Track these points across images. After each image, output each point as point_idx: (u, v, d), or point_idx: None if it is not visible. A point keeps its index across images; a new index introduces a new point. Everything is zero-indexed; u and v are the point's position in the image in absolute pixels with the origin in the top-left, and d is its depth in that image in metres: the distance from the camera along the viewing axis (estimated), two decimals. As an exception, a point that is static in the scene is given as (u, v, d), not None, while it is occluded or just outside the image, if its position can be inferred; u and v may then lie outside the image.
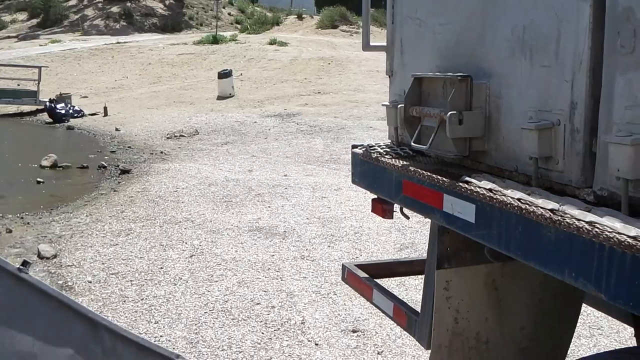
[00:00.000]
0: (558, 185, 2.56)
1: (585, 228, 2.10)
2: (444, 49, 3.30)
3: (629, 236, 1.96)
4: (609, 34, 2.29)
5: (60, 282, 7.33)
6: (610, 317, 4.50)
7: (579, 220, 2.15)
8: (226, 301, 6.77)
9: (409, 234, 8.89)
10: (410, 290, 6.68)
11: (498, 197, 2.54)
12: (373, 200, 3.91)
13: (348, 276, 4.28)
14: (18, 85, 29.53)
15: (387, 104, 3.74)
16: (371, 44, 4.01)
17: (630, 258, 1.93)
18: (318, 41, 40.75)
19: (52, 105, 25.38)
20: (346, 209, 10.47)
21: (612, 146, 2.19)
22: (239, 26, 56.56)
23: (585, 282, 2.12)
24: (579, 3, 2.40)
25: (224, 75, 27.16)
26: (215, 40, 41.79)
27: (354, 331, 6.10)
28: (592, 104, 2.38)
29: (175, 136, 19.39)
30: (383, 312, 3.84)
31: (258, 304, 6.72)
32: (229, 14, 63.45)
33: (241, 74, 30.77)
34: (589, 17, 2.36)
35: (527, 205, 2.38)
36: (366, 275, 4.11)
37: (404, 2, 3.74)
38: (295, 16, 56.64)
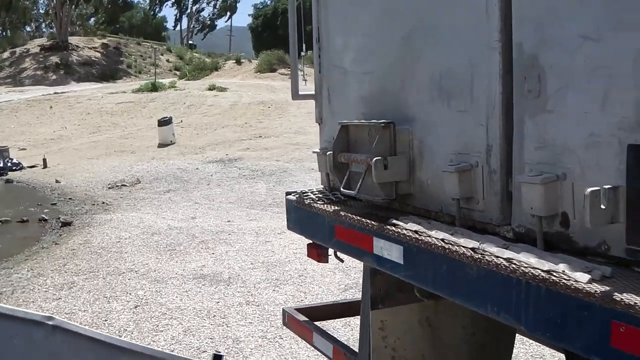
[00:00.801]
0: (480, 224, 2.69)
1: (503, 264, 2.22)
2: (369, 96, 3.44)
3: (542, 270, 2.09)
4: (517, 80, 2.44)
5: (1, 340, 7.24)
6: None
7: (497, 257, 2.28)
8: (172, 350, 6.74)
9: (353, 274, 8.97)
10: (355, 329, 6.73)
11: (423, 238, 2.65)
12: (308, 245, 4.01)
13: (289, 320, 4.36)
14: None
15: (318, 150, 3.85)
16: (300, 92, 4.13)
17: (545, 291, 2.05)
18: (257, 85, 41.04)
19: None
20: (290, 252, 10.51)
21: (524, 185, 2.33)
22: (177, 73, 56.73)
23: (506, 316, 2.24)
24: (489, 51, 2.55)
25: (164, 122, 27.15)
26: (154, 87, 41.77)
27: (300, 374, 6.14)
28: (506, 146, 2.52)
29: (117, 186, 19.26)
30: (323, 353, 3.92)
31: (204, 351, 6.72)
32: (168, 60, 63.58)
33: (181, 121, 30.76)
34: (499, 64, 2.51)
35: (450, 245, 2.50)
36: (306, 319, 4.19)
37: (329, 51, 3.88)
38: (234, 61, 57.04)
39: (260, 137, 26.52)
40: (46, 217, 15.38)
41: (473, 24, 2.64)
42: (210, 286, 8.97)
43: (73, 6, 65.72)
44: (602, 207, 1.99)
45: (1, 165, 24.88)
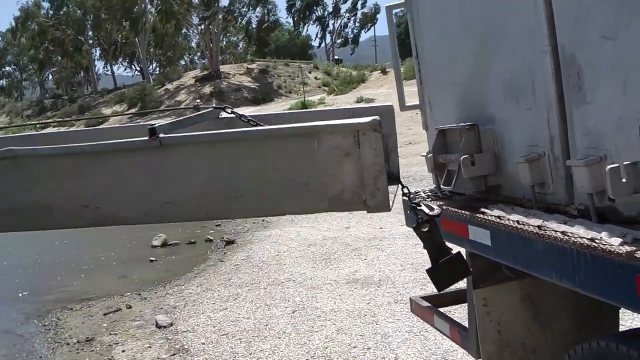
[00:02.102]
0: (552, 205, 3.08)
1: (560, 237, 2.62)
2: (458, 102, 3.88)
3: (587, 239, 2.49)
4: (564, 78, 2.83)
5: (177, 346, 8.08)
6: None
7: (555, 231, 2.68)
8: (326, 347, 7.34)
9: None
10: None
11: (504, 221, 3.08)
12: (424, 238, 4.47)
13: (415, 307, 4.84)
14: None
15: (424, 154, 4.32)
16: (407, 104, 4.62)
17: (589, 255, 2.45)
18: (405, 92, 41.41)
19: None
20: (438, 252, 10.88)
21: (575, 168, 2.73)
22: (326, 88, 57.91)
23: (565, 280, 2.64)
24: (542, 54, 2.95)
25: (316, 138, 28.04)
26: (304, 105, 43.06)
27: (443, 363, 6.56)
28: (564, 136, 2.91)
29: (275, 203, 20.24)
30: (442, 333, 4.38)
31: (355, 347, 7.26)
32: (316, 77, 65.12)
33: (332, 135, 31.63)
34: (551, 65, 2.91)
35: (522, 225, 2.91)
36: (428, 304, 4.65)
37: (426, 65, 4.35)
38: (380, 71, 57.61)
39: (410, 144, 26.89)
40: (211, 238, 16.48)
41: (529, 31, 3.04)
42: (361, 289, 9.51)
43: (222, 36, 68.52)
44: (623, 180, 2.37)
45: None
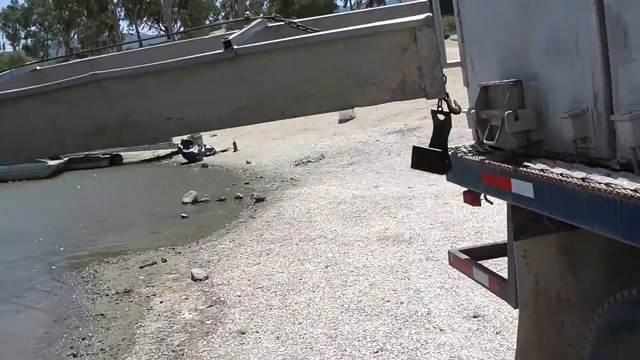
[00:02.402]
0: (595, 159, 3.20)
1: (604, 188, 2.75)
2: (501, 60, 3.99)
3: (631, 190, 2.61)
4: (610, 35, 2.94)
5: (213, 298, 8.34)
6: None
7: (599, 183, 2.81)
8: (360, 301, 7.54)
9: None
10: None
11: (547, 174, 3.21)
12: (464, 192, 4.64)
13: (453, 260, 5.00)
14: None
15: (466, 110, 4.44)
16: (448, 61, 4.72)
17: (633, 205, 2.58)
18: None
19: (184, 146, 27.12)
20: (467, 212, 11.00)
21: (619, 123, 2.85)
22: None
23: (607, 230, 2.78)
24: (587, 13, 3.05)
25: (344, 98, 28.08)
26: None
27: (474, 316, 6.73)
28: (608, 92, 3.02)
29: (303, 162, 20.46)
30: (481, 284, 4.54)
31: (388, 301, 7.46)
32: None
33: (360, 95, 31.67)
34: (596, 23, 3.01)
35: (566, 178, 3.04)
36: (467, 257, 4.81)
37: (468, 24, 4.45)
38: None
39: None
40: (241, 195, 16.75)
41: (575, -10, 3.15)
42: (393, 246, 9.70)
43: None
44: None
45: (196, 151, 26.88)
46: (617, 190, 2.68)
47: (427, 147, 3.56)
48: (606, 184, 2.76)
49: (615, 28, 2.88)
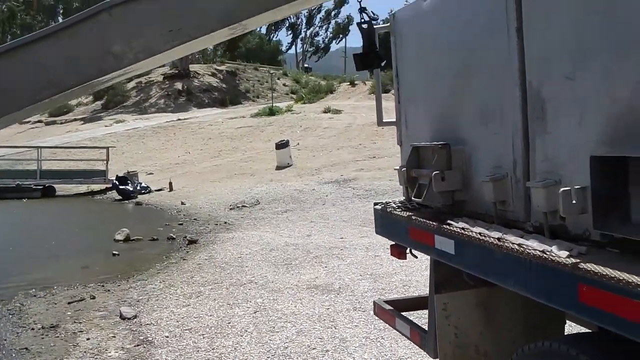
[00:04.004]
0: (512, 221, 3.46)
1: (516, 248, 2.99)
2: (433, 122, 4.26)
3: (539, 250, 2.85)
4: (530, 108, 3.22)
5: (141, 337, 8.34)
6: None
7: (513, 243, 3.05)
8: (286, 347, 7.65)
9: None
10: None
11: (467, 233, 3.44)
12: (391, 245, 4.87)
13: (378, 310, 5.22)
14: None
15: (397, 168, 4.68)
16: (384, 120, 4.99)
17: (540, 265, 2.82)
18: (371, 106, 41.49)
19: (119, 183, 26.97)
20: (397, 265, 11.22)
21: (533, 189, 3.11)
22: (294, 96, 58.19)
23: (518, 286, 3.01)
24: (512, 87, 3.34)
25: (282, 145, 28.41)
26: (271, 112, 43.41)
27: (397, 367, 6.92)
28: (526, 160, 3.29)
29: (238, 207, 20.54)
30: (403, 334, 4.75)
31: (314, 349, 7.58)
32: (284, 84, 65.42)
33: (298, 143, 32.04)
34: (518, 96, 3.29)
35: (483, 237, 3.28)
36: (391, 308, 5.02)
37: (405, 85, 4.73)
38: (348, 83, 58.14)
39: (374, 157, 27.42)
40: (174, 236, 16.72)
41: (502, 66, 3.43)
42: (322, 295, 9.84)
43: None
44: (573, 202, 2.76)
45: (131, 188, 26.74)
46: (528, 250, 2.92)
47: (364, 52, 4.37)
48: (519, 245, 3.01)
49: (536, 102, 3.16)
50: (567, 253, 2.74)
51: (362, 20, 4.10)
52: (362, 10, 4.08)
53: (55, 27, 3.64)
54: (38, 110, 4.11)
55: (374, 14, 4.12)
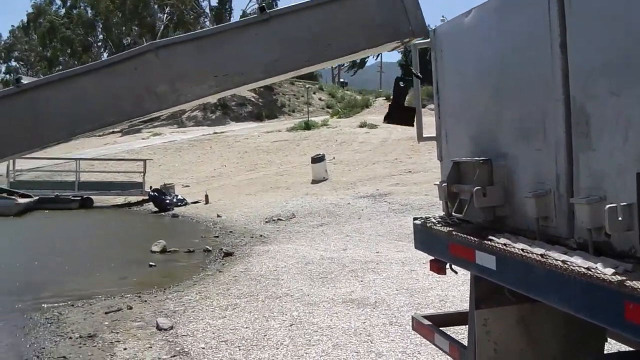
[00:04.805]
0: (554, 237, 3.44)
1: (560, 265, 2.97)
2: (474, 138, 4.26)
3: (584, 268, 2.83)
4: (574, 124, 3.20)
5: (177, 348, 8.39)
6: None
7: (556, 260, 3.03)
8: (322, 362, 7.66)
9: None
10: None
11: (509, 249, 3.43)
12: (430, 260, 4.86)
13: (416, 325, 5.20)
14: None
15: (437, 183, 4.68)
16: (424, 135, 4.99)
17: (585, 283, 2.80)
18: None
19: (157, 194, 27.20)
20: (433, 280, 11.16)
21: (577, 206, 3.08)
22: (329, 110, 58.23)
23: (562, 303, 2.99)
24: (555, 102, 3.32)
25: (317, 159, 28.42)
26: (307, 126, 43.48)
27: (434, 383, 6.88)
28: (569, 176, 3.27)
29: (274, 220, 20.58)
30: (442, 350, 4.72)
31: (350, 363, 7.59)
32: (320, 99, 65.50)
33: (334, 158, 32.06)
34: (562, 112, 3.28)
35: (526, 253, 3.26)
36: (429, 323, 5.00)
37: (445, 101, 4.73)
38: (384, 98, 58.09)
39: (409, 172, 27.31)
40: (210, 248, 16.81)
41: (545, 82, 3.42)
42: (357, 309, 9.82)
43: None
44: (619, 218, 2.73)
45: (168, 201, 26.94)
46: (572, 267, 2.90)
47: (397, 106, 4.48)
48: (562, 261, 2.99)
49: (580, 118, 3.14)
50: (613, 270, 2.72)
51: (403, 76, 4.23)
52: (409, 69, 4.16)
53: (100, 62, 3.75)
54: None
55: (417, 76, 4.23)
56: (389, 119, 4.46)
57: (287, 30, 3.74)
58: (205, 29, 3.89)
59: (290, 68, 3.83)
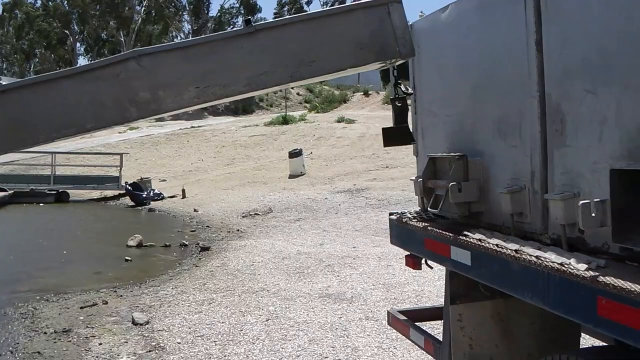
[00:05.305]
0: (529, 233, 3.46)
1: (534, 260, 3.00)
2: (450, 134, 4.28)
3: (557, 263, 2.86)
4: (549, 121, 3.22)
5: (153, 343, 8.36)
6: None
7: (530, 255, 3.05)
8: (298, 356, 7.66)
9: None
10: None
11: (484, 244, 3.45)
12: (406, 256, 4.88)
13: (392, 320, 5.22)
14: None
15: (413, 178, 4.69)
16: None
17: (558, 278, 2.82)
18: (385, 117, 41.87)
19: (134, 189, 27.06)
20: (409, 275, 11.21)
21: (551, 202, 3.11)
22: (307, 105, 58.25)
23: (536, 299, 3.01)
24: (531, 99, 3.34)
25: (295, 154, 28.42)
26: (285, 120, 43.43)
27: (410, 377, 6.91)
28: (544, 172, 3.30)
29: (250, 215, 20.54)
30: (417, 345, 4.75)
31: (326, 357, 7.58)
32: (298, 93, 65.44)
33: (311, 153, 32.06)
34: (537, 110, 3.30)
35: (500, 248, 3.29)
36: (405, 318, 5.02)
37: (422, 97, 4.74)
38: (362, 93, 58.17)
39: (387, 167, 27.39)
40: (186, 243, 16.76)
41: (521, 79, 3.44)
42: (334, 304, 9.84)
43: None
44: (592, 214, 2.76)
45: (144, 195, 26.81)
46: (545, 263, 2.92)
47: (394, 126, 4.17)
48: (536, 257, 3.01)
49: (555, 116, 3.16)
50: (586, 266, 2.74)
51: (397, 95, 4.02)
52: (396, 85, 3.99)
53: (82, 67, 3.71)
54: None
55: (407, 88, 4.07)
56: (391, 141, 4.40)
57: (272, 44, 3.70)
58: (190, 39, 3.89)
59: (272, 83, 3.79)
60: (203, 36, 3.75)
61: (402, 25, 3.69)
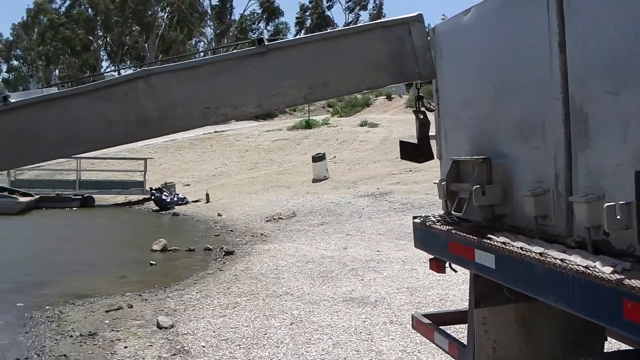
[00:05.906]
0: (553, 236, 3.44)
1: (559, 264, 2.98)
2: (473, 137, 4.26)
3: (583, 266, 2.84)
4: (572, 123, 3.20)
5: (178, 347, 8.40)
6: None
7: (555, 259, 3.03)
8: (322, 359, 7.66)
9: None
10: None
11: (508, 247, 3.43)
12: (430, 259, 4.86)
13: (416, 323, 5.21)
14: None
15: (437, 182, 4.69)
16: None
17: (583, 281, 2.80)
18: (407, 120, 41.69)
19: (158, 194, 27.21)
20: (433, 278, 11.17)
21: (576, 204, 3.09)
22: (330, 109, 58.16)
23: (560, 302, 3.00)
24: (554, 101, 3.33)
25: (318, 158, 28.41)
26: (308, 125, 43.41)
27: (434, 381, 6.89)
28: (568, 174, 3.28)
29: (274, 219, 20.58)
30: (441, 348, 4.73)
31: (350, 361, 7.60)
32: (321, 98, 65.37)
33: (334, 157, 32.04)
34: (561, 111, 3.28)
35: (525, 252, 3.27)
36: (429, 322, 5.01)
37: (445, 100, 4.73)
38: (385, 97, 58.03)
39: (410, 171, 27.26)
40: (211, 247, 16.83)
41: (544, 81, 3.42)
42: (358, 307, 9.83)
43: (232, 48, 69.60)
44: (618, 217, 2.74)
45: (168, 200, 26.95)
46: (570, 266, 2.90)
47: (413, 142, 4.25)
48: (561, 260, 2.99)
49: (578, 117, 3.14)
50: (611, 269, 2.72)
51: (418, 108, 4.02)
52: (419, 98, 4.00)
53: (92, 85, 3.66)
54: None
55: (430, 103, 4.08)
56: (408, 156, 4.38)
57: (284, 65, 3.62)
58: (200, 59, 3.79)
59: (284, 104, 3.77)
60: (213, 55, 3.71)
61: (423, 45, 3.63)
